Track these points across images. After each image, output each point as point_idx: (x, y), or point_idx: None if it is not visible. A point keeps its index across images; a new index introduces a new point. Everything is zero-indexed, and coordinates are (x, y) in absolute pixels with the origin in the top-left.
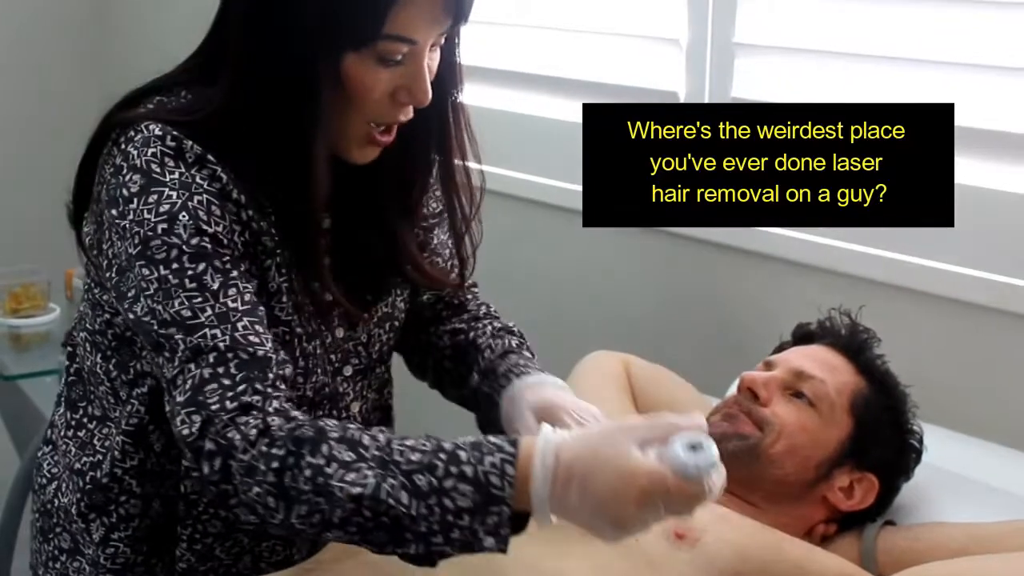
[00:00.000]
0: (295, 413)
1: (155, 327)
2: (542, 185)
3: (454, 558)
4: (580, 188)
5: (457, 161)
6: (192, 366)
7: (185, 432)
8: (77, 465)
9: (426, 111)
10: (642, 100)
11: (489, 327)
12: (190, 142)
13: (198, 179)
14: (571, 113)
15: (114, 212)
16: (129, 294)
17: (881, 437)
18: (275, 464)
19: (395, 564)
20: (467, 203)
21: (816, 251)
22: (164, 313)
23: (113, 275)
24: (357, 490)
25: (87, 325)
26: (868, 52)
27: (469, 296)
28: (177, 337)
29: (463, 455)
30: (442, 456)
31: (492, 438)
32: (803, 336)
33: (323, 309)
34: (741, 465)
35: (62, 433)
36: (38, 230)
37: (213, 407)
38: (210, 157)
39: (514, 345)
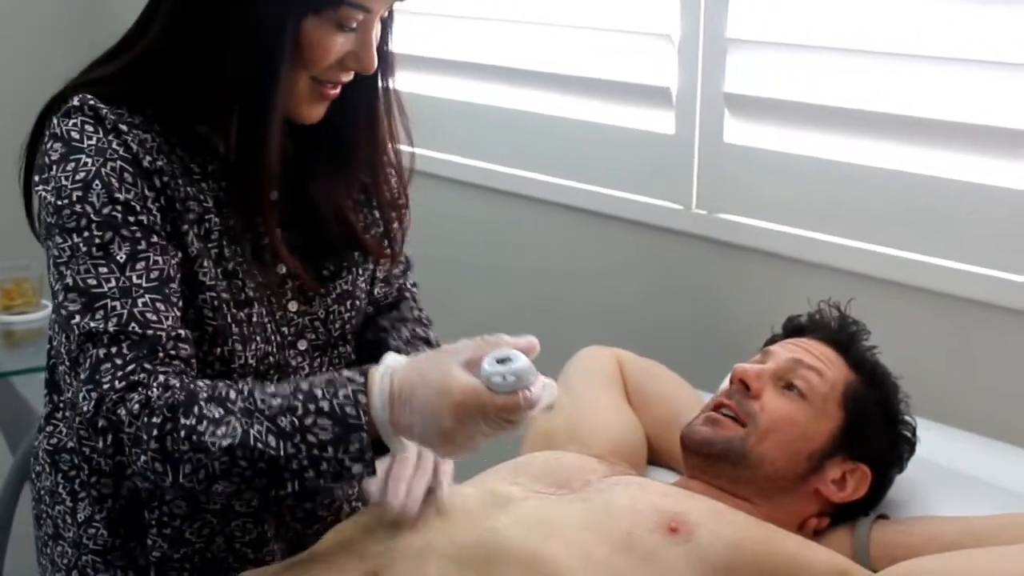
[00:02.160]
0: (174, 382)
1: (62, 296)
2: (535, 181)
3: (447, 550)
4: (575, 184)
5: (391, 146)
6: (90, 346)
7: (84, 409)
8: (57, 446)
9: (359, 94)
10: (635, 95)
11: (407, 332)
12: (107, 109)
13: (114, 144)
14: (564, 109)
15: (37, 179)
16: (49, 264)
17: (873, 429)
18: (155, 432)
19: (385, 554)
20: (396, 184)
21: (807, 246)
22: (70, 278)
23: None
24: (228, 441)
25: (53, 308)
26: (860, 47)
27: (407, 295)
28: (77, 313)
29: (319, 392)
30: (300, 396)
31: (345, 372)
32: (793, 329)
33: (274, 281)
34: (729, 464)
35: (46, 416)
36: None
37: (105, 386)
38: (122, 126)
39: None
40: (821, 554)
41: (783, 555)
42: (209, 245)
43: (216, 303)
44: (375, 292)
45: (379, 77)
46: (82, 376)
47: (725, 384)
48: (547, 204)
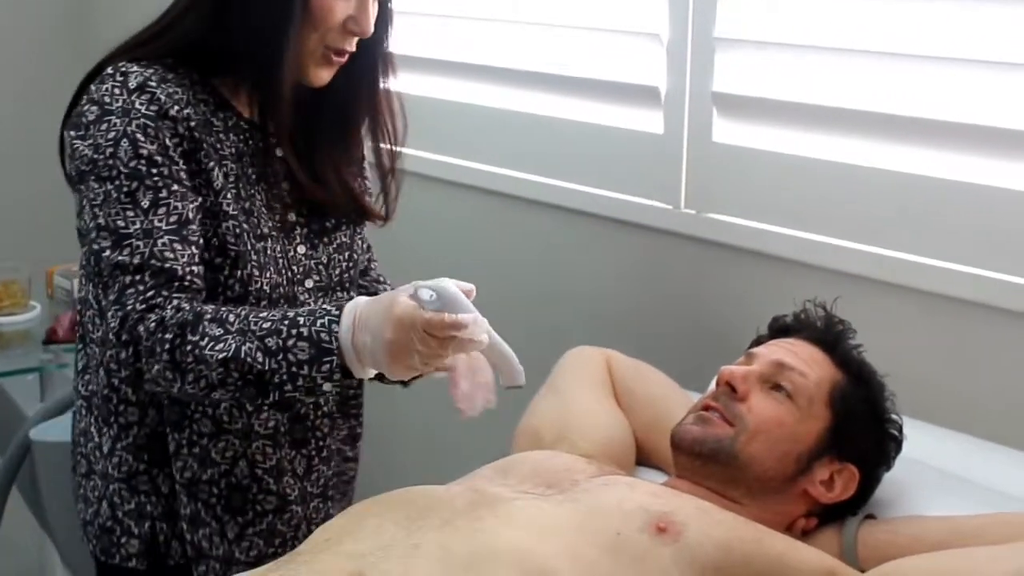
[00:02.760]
0: (185, 306)
1: (93, 233)
2: (523, 180)
3: (435, 551)
4: (564, 184)
5: (387, 124)
6: (118, 274)
7: (111, 326)
8: (87, 390)
9: (362, 69)
10: (623, 95)
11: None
12: (137, 70)
13: (137, 104)
14: (552, 108)
15: (72, 134)
16: (82, 204)
17: (860, 428)
18: (167, 345)
19: (369, 556)
20: (391, 154)
21: (795, 245)
22: (102, 219)
23: (73, 190)
24: (223, 355)
25: (81, 260)
26: (849, 46)
27: (373, 263)
28: (107, 249)
29: (301, 320)
30: (286, 322)
31: (325, 305)
32: (779, 329)
33: (287, 227)
34: (719, 465)
35: (81, 368)
36: (19, 228)
37: (128, 307)
38: (151, 83)
39: None
40: (809, 554)
41: (771, 555)
42: (229, 184)
43: (237, 231)
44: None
45: (380, 56)
46: (110, 298)
47: (713, 386)
48: (535, 203)
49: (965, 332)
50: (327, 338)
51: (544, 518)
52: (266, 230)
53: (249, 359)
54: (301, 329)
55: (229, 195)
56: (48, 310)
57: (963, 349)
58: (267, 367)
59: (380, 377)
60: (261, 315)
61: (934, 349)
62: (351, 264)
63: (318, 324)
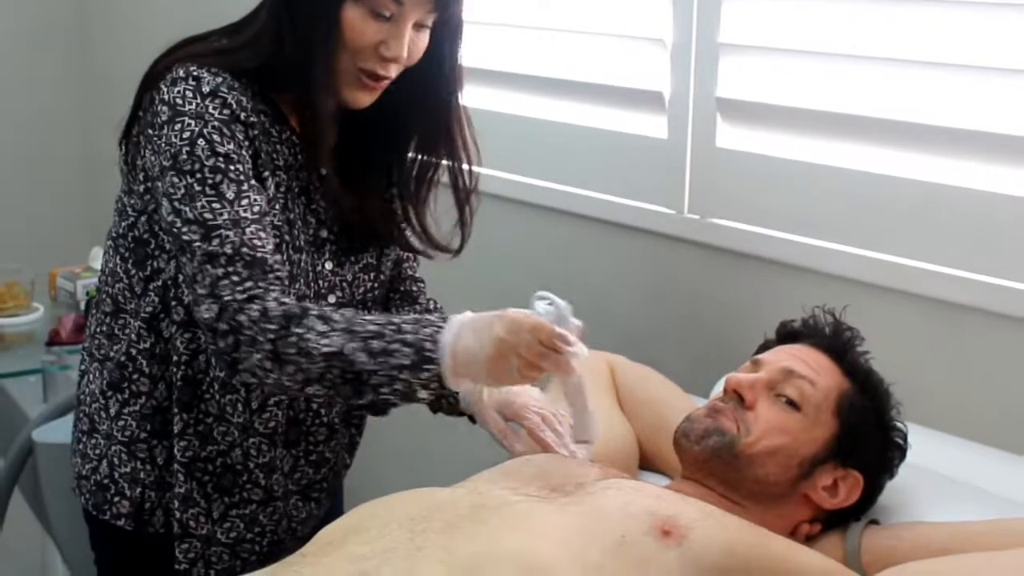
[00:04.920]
0: (286, 299)
1: (179, 225)
2: (527, 184)
3: (439, 553)
4: (567, 188)
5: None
6: (209, 266)
7: (206, 316)
8: (101, 353)
9: (428, 103)
10: (628, 100)
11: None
12: (209, 77)
13: (210, 109)
14: (556, 113)
15: (150, 132)
16: (161, 199)
17: (866, 437)
18: (271, 335)
19: (372, 559)
20: (468, 179)
21: (799, 251)
22: (189, 213)
23: (141, 182)
24: (328, 350)
25: (112, 233)
26: (853, 52)
27: (416, 288)
28: (197, 240)
29: (407, 327)
30: (391, 327)
31: (431, 316)
32: (787, 335)
33: (318, 242)
34: (722, 462)
35: (93, 332)
36: (24, 229)
37: (227, 298)
38: (222, 90)
39: None
40: (813, 558)
41: (775, 559)
42: (279, 195)
43: (278, 241)
44: (405, 283)
45: (437, 75)
46: (201, 291)
47: (717, 391)
48: (538, 208)
49: (970, 338)
50: (430, 346)
51: (548, 521)
52: (301, 243)
53: (351, 357)
54: (406, 336)
55: (277, 205)
56: (51, 312)
57: (969, 356)
58: (368, 368)
59: (452, 410)
60: (367, 317)
61: (938, 355)
62: (375, 284)
63: (423, 332)
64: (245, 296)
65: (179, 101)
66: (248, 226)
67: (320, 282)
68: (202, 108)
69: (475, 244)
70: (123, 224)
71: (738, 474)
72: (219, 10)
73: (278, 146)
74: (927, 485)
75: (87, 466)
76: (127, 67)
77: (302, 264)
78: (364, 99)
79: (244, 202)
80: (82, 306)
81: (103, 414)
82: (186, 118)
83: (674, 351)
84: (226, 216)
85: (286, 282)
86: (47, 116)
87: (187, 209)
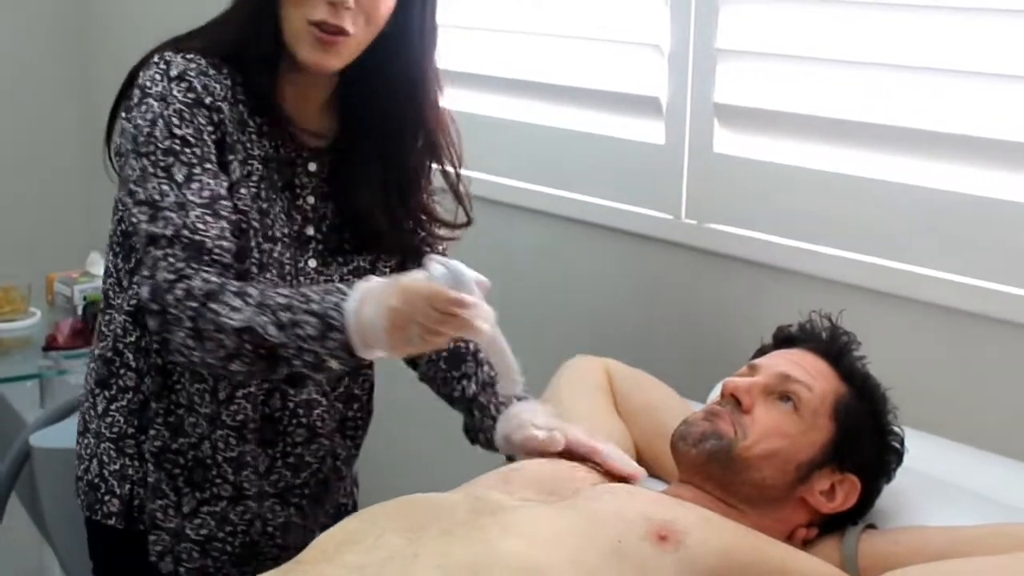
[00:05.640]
0: (213, 278)
1: (132, 207)
2: (526, 190)
3: (437, 559)
4: (564, 193)
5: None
6: (152, 248)
7: (144, 297)
8: (95, 352)
9: (396, 84)
10: (624, 105)
11: None
12: (181, 62)
13: (174, 91)
14: (553, 119)
15: (123, 115)
16: (125, 180)
17: (863, 441)
18: (191, 314)
19: (369, 567)
20: (455, 160)
21: (796, 256)
22: (141, 195)
23: (117, 167)
24: (239, 325)
25: (109, 232)
26: (850, 58)
27: None
28: (144, 221)
29: (314, 296)
30: (300, 299)
31: (339, 285)
32: (784, 339)
33: (302, 239)
34: (718, 466)
35: (100, 332)
36: (21, 233)
37: (159, 277)
38: (189, 74)
39: None
40: (810, 563)
41: (772, 564)
42: (250, 183)
43: (244, 225)
44: None
45: (419, 74)
46: (144, 272)
47: (714, 396)
48: (536, 214)
49: (967, 343)
50: (335, 314)
51: (545, 526)
52: (279, 234)
53: (260, 330)
54: (312, 305)
55: (243, 190)
56: (48, 317)
57: (965, 360)
58: (278, 340)
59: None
60: (280, 290)
61: (935, 360)
62: None
63: (328, 300)
64: (175, 276)
65: (148, 84)
66: (193, 210)
67: (301, 279)
68: (167, 90)
69: (473, 248)
70: (115, 219)
71: (735, 478)
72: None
73: (254, 136)
74: (924, 489)
75: (81, 466)
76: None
77: (276, 255)
78: (326, 60)
79: (194, 185)
80: (79, 311)
81: (92, 412)
82: (151, 99)
83: (671, 356)
84: (172, 198)
85: (229, 266)
86: (45, 121)
87: (140, 190)
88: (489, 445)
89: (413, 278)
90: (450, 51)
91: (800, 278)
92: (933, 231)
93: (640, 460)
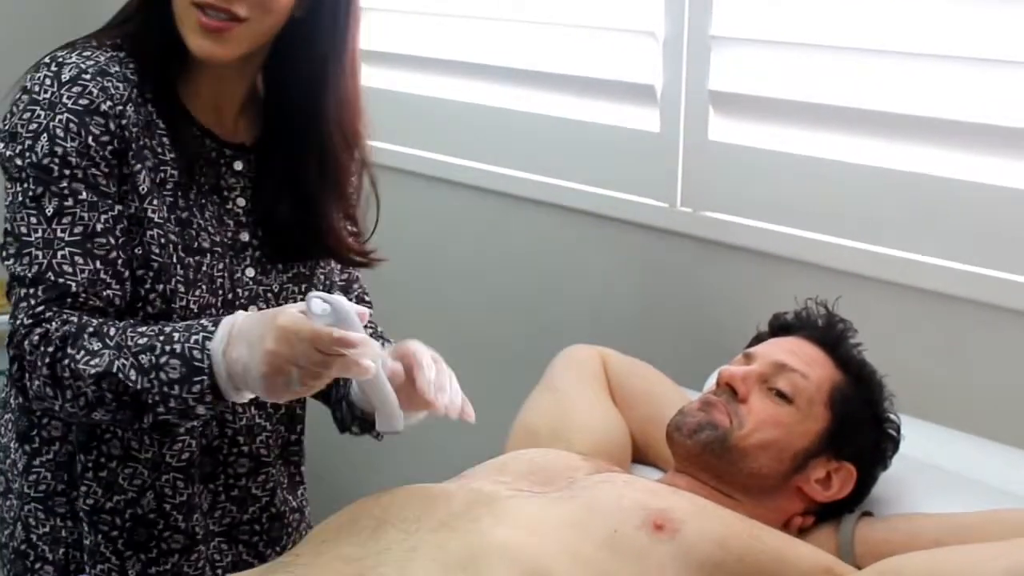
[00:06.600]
0: (73, 319)
1: (6, 239)
2: (519, 179)
3: (433, 551)
4: (559, 182)
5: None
6: (16, 286)
7: (5, 341)
8: (10, 401)
9: (310, 73)
10: (619, 93)
11: None
12: (77, 62)
13: (64, 98)
14: (548, 107)
15: (7, 118)
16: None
17: (859, 430)
18: (47, 359)
19: (366, 559)
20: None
21: (792, 243)
22: (10, 226)
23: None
24: (96, 370)
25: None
26: (846, 44)
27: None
28: (11, 260)
29: (176, 336)
30: (161, 338)
31: (204, 321)
32: (779, 327)
33: (237, 246)
34: (714, 456)
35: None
36: None
37: (18, 321)
38: (84, 77)
39: None
40: (806, 551)
41: (769, 552)
42: (164, 192)
43: (163, 241)
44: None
45: (328, 59)
46: (10, 311)
47: (710, 384)
48: (531, 202)
49: (963, 331)
50: (199, 355)
51: (541, 516)
52: (207, 245)
53: (121, 375)
54: (175, 345)
55: (156, 202)
56: None
57: (961, 347)
58: (140, 386)
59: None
60: (140, 329)
61: (931, 347)
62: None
63: (191, 340)
64: (32, 320)
65: (36, 89)
66: (61, 248)
67: (238, 291)
68: (57, 97)
69: (467, 238)
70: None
71: (731, 467)
72: None
73: (165, 139)
74: (921, 477)
75: (4, 532)
76: None
77: (205, 269)
78: (213, 49)
79: (65, 220)
80: None
81: (14, 471)
82: (38, 108)
83: (666, 344)
84: (40, 234)
85: (104, 311)
86: None
87: (11, 220)
88: (364, 427)
89: (290, 315)
90: (444, 39)
91: (796, 265)
92: (930, 218)
93: (636, 448)
